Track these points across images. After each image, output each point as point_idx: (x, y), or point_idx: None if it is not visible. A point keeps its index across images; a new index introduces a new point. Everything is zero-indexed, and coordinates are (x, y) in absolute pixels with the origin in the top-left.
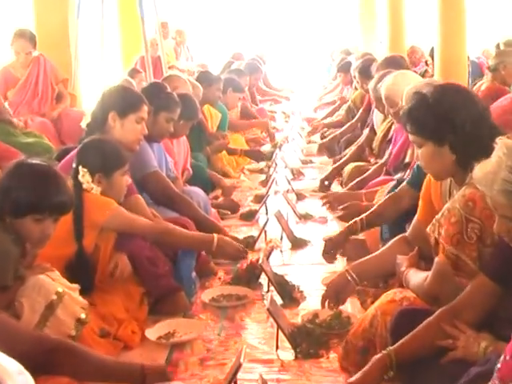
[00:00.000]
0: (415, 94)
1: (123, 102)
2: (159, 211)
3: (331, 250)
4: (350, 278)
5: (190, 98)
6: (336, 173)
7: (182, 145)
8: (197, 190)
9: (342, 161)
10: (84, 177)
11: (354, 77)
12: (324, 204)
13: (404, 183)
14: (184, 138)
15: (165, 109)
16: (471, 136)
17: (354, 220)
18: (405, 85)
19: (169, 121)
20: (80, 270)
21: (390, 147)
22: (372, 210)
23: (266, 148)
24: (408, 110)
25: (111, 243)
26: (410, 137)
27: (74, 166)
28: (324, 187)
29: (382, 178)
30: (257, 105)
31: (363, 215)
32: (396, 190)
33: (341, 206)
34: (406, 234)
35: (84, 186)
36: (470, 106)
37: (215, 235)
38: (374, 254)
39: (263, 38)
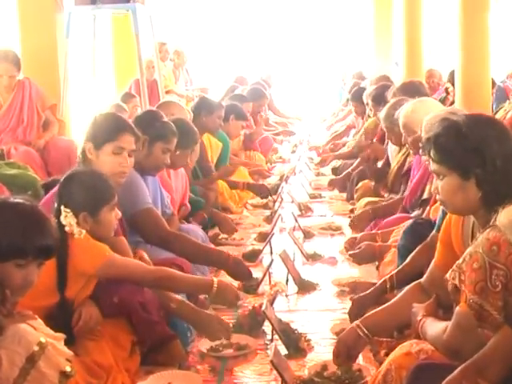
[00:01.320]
0: (444, 120)
1: (99, 130)
2: (152, 251)
3: (358, 309)
4: (360, 333)
5: (187, 123)
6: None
7: (180, 177)
8: (195, 228)
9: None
10: (67, 218)
11: (367, 104)
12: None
13: (434, 231)
14: (182, 170)
15: (160, 139)
16: (501, 173)
17: (383, 279)
18: (425, 113)
19: (165, 152)
20: (61, 321)
21: (408, 183)
22: (402, 266)
23: (272, 181)
24: (435, 136)
25: (90, 290)
26: (432, 165)
27: (55, 205)
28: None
29: (397, 215)
30: (261, 133)
31: (393, 272)
32: (426, 240)
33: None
34: (422, 280)
35: (66, 228)
36: (503, 141)
37: (215, 279)
38: (386, 305)
39: (269, 58)
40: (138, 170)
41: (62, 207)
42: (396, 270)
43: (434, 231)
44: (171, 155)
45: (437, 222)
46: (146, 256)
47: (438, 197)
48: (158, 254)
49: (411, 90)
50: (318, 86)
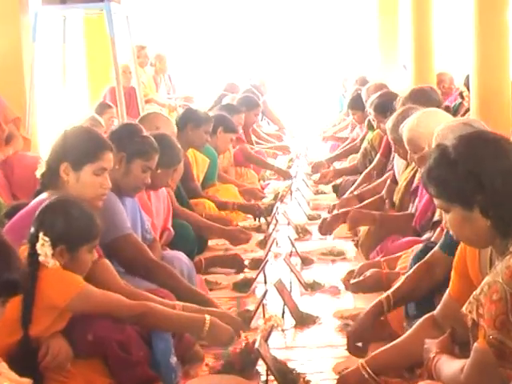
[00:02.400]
0: (435, 148)
1: (77, 149)
2: (132, 281)
3: (357, 342)
4: (365, 374)
5: (170, 139)
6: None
7: (162, 199)
8: (179, 255)
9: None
10: (43, 247)
11: (369, 113)
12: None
13: (436, 248)
14: (164, 191)
15: (140, 155)
16: (505, 194)
17: (378, 299)
18: (431, 125)
19: (145, 170)
20: (25, 362)
21: (416, 200)
22: (399, 284)
23: (265, 200)
24: (427, 170)
25: (61, 327)
26: (435, 201)
27: (32, 230)
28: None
29: (406, 239)
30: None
31: (389, 291)
32: (426, 258)
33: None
34: (435, 312)
35: (40, 258)
36: (500, 158)
37: (207, 317)
38: (395, 342)
39: (262, 63)
40: (115, 190)
41: (41, 234)
42: (391, 290)
43: (436, 247)
44: (152, 174)
45: (441, 238)
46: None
47: (450, 232)
48: (138, 284)
49: (422, 97)
50: (315, 93)
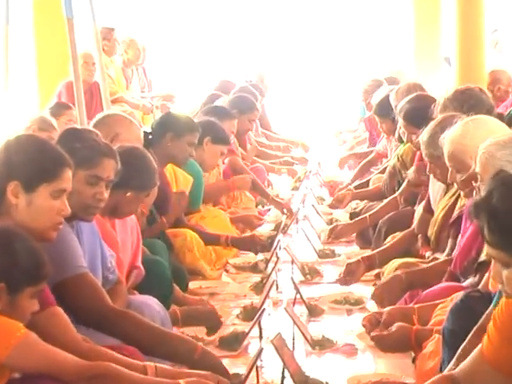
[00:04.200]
0: (497, 179)
1: (29, 166)
2: (87, 335)
3: None
4: None
5: (142, 154)
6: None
7: (130, 228)
8: (151, 301)
9: (379, 249)
10: None
11: (399, 123)
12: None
13: (491, 308)
14: (133, 219)
15: (80, 165)
16: None
17: None
18: (481, 137)
19: (92, 182)
20: None
21: (456, 236)
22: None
23: (264, 231)
24: (490, 211)
25: None
26: (490, 249)
27: None
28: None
29: (443, 284)
30: (249, 161)
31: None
32: (481, 322)
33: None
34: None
35: None
36: None
37: (181, 382)
38: None
39: (263, 57)
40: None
41: None
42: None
43: (491, 306)
44: (119, 198)
45: (497, 294)
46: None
47: (501, 287)
48: (96, 339)
49: (470, 100)
50: (332, 96)
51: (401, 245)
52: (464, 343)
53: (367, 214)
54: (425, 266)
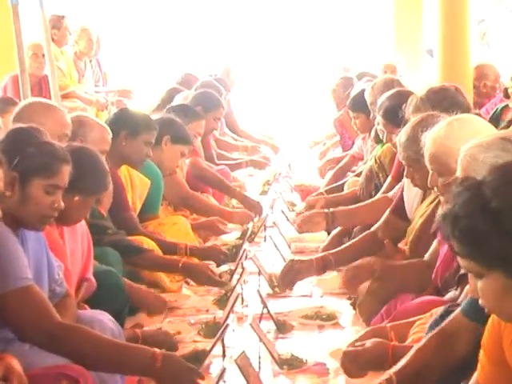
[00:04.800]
0: (463, 185)
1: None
2: (31, 355)
3: None
4: None
5: (91, 154)
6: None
7: (80, 236)
8: (102, 317)
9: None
10: None
11: (377, 121)
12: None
13: (457, 312)
14: (83, 226)
15: (38, 172)
16: None
17: (379, 381)
18: (466, 137)
19: (50, 191)
20: None
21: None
22: (406, 360)
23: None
24: (453, 217)
25: None
26: (461, 261)
27: None
28: None
29: (422, 299)
30: (214, 163)
31: (392, 370)
32: (443, 325)
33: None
34: None
35: None
36: None
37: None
38: None
39: (231, 49)
40: (9, 222)
41: None
42: (397, 367)
43: (457, 311)
44: (66, 202)
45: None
46: (16, 365)
47: (480, 301)
48: (40, 359)
49: (441, 102)
50: (303, 91)
51: (360, 247)
52: (420, 344)
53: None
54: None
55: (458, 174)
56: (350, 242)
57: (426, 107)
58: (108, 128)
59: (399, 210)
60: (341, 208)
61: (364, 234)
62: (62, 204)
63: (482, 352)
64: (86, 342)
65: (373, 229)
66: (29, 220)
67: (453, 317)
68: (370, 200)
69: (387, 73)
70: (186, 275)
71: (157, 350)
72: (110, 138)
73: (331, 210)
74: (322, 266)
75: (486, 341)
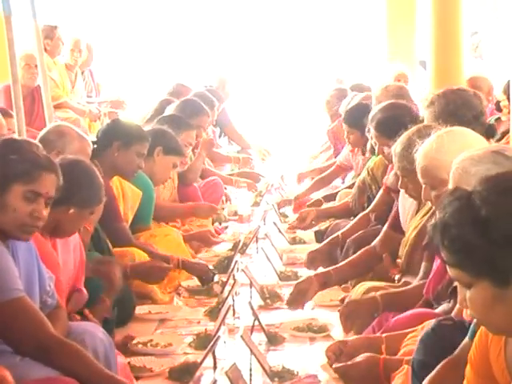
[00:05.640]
0: (453, 195)
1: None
2: (23, 366)
3: None
4: None
5: (86, 167)
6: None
7: (73, 248)
8: (93, 329)
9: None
10: None
11: (368, 131)
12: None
13: (466, 340)
14: (76, 238)
15: (16, 179)
16: None
17: None
18: (457, 151)
19: (29, 197)
20: None
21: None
22: None
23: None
24: (442, 226)
25: None
26: (450, 270)
27: None
28: None
29: (414, 311)
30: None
31: None
32: (456, 353)
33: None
34: None
35: None
36: None
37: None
38: None
39: (228, 59)
40: None
41: None
42: None
43: (466, 339)
44: (60, 216)
45: (472, 330)
46: (8, 376)
47: (468, 312)
48: (31, 371)
49: (456, 99)
50: (296, 101)
51: (360, 263)
52: (432, 374)
53: (339, 233)
54: (395, 290)
55: (450, 187)
56: (349, 258)
57: (439, 102)
58: (89, 140)
59: (396, 224)
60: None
61: (363, 249)
62: (45, 214)
63: (468, 367)
64: (75, 360)
65: (372, 244)
66: (8, 229)
67: (463, 345)
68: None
69: (401, 81)
70: None
71: None
72: (90, 150)
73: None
74: (322, 283)
75: (473, 355)
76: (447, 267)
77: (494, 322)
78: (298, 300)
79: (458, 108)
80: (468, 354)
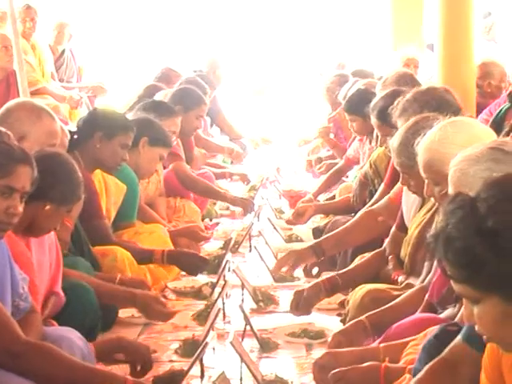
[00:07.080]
0: (454, 202)
1: None
2: None
3: None
4: None
5: (64, 160)
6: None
7: (48, 247)
8: (71, 334)
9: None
10: None
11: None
12: None
13: (458, 339)
14: (52, 237)
15: None
16: None
17: None
18: (462, 143)
19: (5, 194)
20: None
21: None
22: None
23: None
24: (445, 238)
25: None
26: (455, 286)
27: None
28: None
29: (416, 316)
30: (196, 166)
31: None
32: (445, 353)
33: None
34: None
35: None
36: None
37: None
38: None
39: (216, 43)
40: None
41: None
42: None
43: (458, 339)
44: (35, 213)
45: (466, 330)
46: None
47: (476, 327)
48: (4, 380)
49: (429, 102)
50: (297, 89)
51: (369, 266)
52: (419, 376)
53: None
54: (393, 302)
55: (449, 190)
56: (357, 263)
57: (413, 108)
58: (66, 130)
59: (402, 224)
60: (327, 236)
61: (373, 252)
62: (20, 210)
63: (483, 376)
64: (52, 363)
65: (383, 247)
66: None
67: (453, 345)
68: (354, 220)
69: (410, 67)
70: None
71: (129, 377)
72: (59, 131)
73: (316, 241)
74: (329, 288)
75: (487, 369)
76: (451, 281)
77: (505, 339)
78: (304, 307)
79: (435, 110)
80: (463, 357)
